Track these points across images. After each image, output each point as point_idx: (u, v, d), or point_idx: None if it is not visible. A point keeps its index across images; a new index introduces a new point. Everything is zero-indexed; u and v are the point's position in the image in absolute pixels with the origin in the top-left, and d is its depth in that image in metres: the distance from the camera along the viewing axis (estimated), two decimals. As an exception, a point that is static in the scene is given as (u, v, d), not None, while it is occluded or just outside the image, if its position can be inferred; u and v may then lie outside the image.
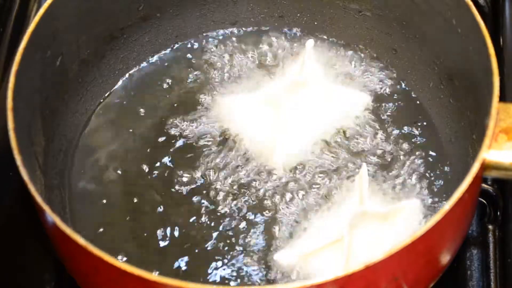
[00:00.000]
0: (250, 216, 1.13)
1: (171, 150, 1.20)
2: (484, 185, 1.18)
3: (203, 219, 1.13)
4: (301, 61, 1.22)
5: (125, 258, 1.09)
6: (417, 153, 1.18)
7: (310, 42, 1.22)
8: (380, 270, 0.92)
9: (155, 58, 1.29)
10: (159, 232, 1.12)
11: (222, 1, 1.30)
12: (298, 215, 1.12)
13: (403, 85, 1.25)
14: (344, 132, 1.20)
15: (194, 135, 1.21)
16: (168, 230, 1.12)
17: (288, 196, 1.14)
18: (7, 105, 1.02)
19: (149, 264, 1.07)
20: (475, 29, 1.06)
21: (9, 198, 1.22)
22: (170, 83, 1.27)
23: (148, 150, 1.20)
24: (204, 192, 1.15)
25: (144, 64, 1.29)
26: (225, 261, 1.09)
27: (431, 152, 1.18)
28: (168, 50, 1.30)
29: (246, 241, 1.11)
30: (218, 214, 1.13)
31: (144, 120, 1.23)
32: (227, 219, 1.13)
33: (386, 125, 1.21)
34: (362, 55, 1.28)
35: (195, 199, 1.15)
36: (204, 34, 1.32)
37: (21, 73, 1.05)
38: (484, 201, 1.19)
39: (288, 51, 1.29)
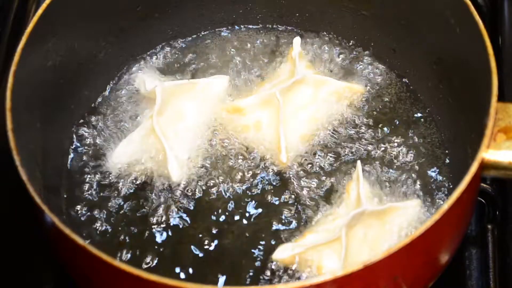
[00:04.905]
0: (250, 214, 1.13)
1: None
2: (483, 185, 1.18)
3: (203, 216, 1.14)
4: (290, 59, 1.22)
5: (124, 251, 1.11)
6: (416, 152, 1.18)
7: (297, 39, 1.23)
8: (379, 270, 0.92)
9: (154, 58, 1.29)
10: (158, 232, 1.12)
11: (221, 1, 1.30)
12: (296, 215, 1.12)
13: (402, 84, 1.25)
14: (342, 131, 1.20)
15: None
16: (166, 231, 1.12)
17: (286, 195, 1.14)
18: (6, 105, 1.02)
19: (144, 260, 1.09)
20: (473, 28, 1.06)
21: (8, 198, 1.22)
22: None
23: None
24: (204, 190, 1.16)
25: (143, 63, 1.29)
26: (223, 259, 1.10)
27: (430, 152, 1.18)
28: (166, 50, 1.30)
29: (245, 239, 1.11)
30: (215, 212, 1.14)
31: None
32: (226, 217, 1.13)
33: (385, 125, 1.21)
34: (362, 55, 1.28)
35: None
36: (202, 33, 1.32)
37: (19, 73, 1.05)
38: (483, 200, 1.19)
39: (287, 50, 1.29)
